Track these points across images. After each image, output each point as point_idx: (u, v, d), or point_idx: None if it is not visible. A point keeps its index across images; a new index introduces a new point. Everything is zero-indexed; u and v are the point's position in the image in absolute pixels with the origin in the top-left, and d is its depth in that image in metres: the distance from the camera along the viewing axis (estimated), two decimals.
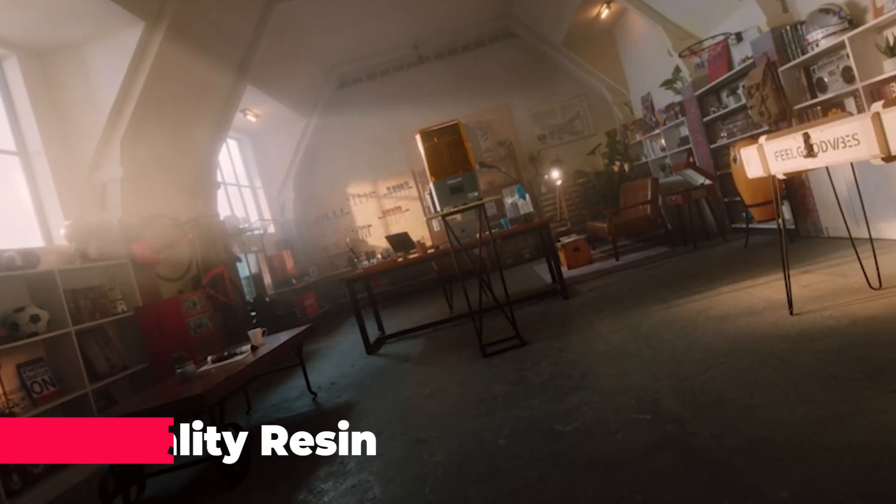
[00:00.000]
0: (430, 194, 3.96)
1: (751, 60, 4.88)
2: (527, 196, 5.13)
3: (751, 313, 3.06)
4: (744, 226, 5.74)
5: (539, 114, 9.41)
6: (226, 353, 3.42)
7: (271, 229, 8.99)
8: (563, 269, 6.63)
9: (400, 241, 5.33)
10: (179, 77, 5.25)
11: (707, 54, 5.87)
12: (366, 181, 9.70)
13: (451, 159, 3.81)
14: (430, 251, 5.06)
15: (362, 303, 5.41)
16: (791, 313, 2.82)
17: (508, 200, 5.28)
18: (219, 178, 6.91)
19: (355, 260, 5.17)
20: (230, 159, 8.48)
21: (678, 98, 6.65)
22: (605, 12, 7.58)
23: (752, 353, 2.47)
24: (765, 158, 2.74)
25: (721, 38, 5.46)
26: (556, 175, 8.44)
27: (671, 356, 2.73)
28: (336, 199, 9.72)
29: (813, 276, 3.49)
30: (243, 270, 6.78)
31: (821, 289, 3.17)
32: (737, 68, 5.28)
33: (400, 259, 5.10)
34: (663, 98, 7.37)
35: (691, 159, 6.78)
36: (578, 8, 7.45)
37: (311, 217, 9.73)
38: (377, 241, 9.61)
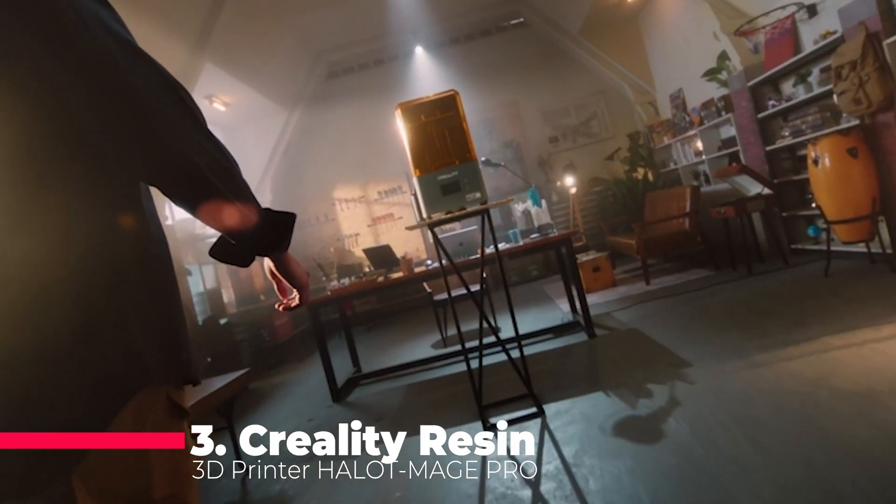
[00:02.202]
0: (415, 195, 2.85)
1: (837, 34, 3.78)
2: (542, 203, 4.02)
3: None
4: (808, 247, 4.63)
5: (551, 113, 8.33)
6: None
7: None
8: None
9: (380, 257, 4.22)
10: None
11: (764, 35, 4.78)
12: (354, 184, 8.60)
13: (443, 146, 2.70)
14: (418, 270, 3.94)
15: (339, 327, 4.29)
16: None
17: (519, 208, 4.17)
18: None
19: (323, 278, 4.05)
20: None
21: (721, 91, 5.55)
22: None
23: None
24: None
25: (789, 10, 4.37)
26: (569, 182, 7.34)
27: (805, 473, 1.60)
28: (320, 203, 8.61)
29: None
30: (195, 286, 5.66)
31: None
32: (808, 49, 4.19)
33: (380, 279, 3.99)
34: (699, 93, 6.28)
35: (735, 164, 5.68)
36: None
37: None
38: None
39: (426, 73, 8.01)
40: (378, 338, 6.22)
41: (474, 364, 2.90)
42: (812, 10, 4.27)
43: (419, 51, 7.99)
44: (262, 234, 0.82)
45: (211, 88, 6.43)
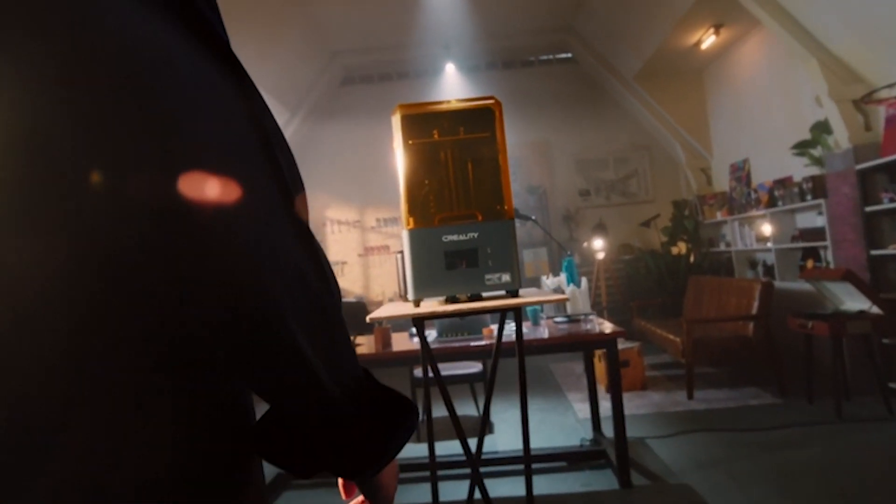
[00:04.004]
0: (400, 256, 1.74)
1: None
2: (583, 282, 2.88)
3: None
4: None
5: (586, 162, 7.29)
6: None
7: None
8: (599, 387, 4.34)
9: (347, 315, 3.08)
10: None
11: (886, 110, 3.75)
12: (351, 206, 7.53)
13: (461, 186, 1.60)
14: (397, 349, 2.80)
15: None
16: None
17: (548, 282, 3.04)
18: None
19: None
20: None
21: (809, 170, 4.50)
22: (708, 40, 5.53)
23: None
24: None
25: None
26: (598, 245, 6.23)
27: None
28: (310, 220, 7.51)
29: None
30: None
31: None
32: None
33: None
34: (771, 168, 5.24)
35: (812, 263, 4.58)
36: (672, 30, 5.41)
37: None
38: (351, 283, 7.37)
39: (454, 95, 7.01)
40: None
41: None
42: None
43: (450, 68, 7.01)
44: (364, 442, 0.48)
45: None
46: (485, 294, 1.60)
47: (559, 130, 7.33)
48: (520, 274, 1.57)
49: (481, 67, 7.40)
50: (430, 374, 1.71)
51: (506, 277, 1.55)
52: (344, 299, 3.03)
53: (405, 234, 1.56)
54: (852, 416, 3.37)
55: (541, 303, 1.53)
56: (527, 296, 1.62)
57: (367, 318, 1.48)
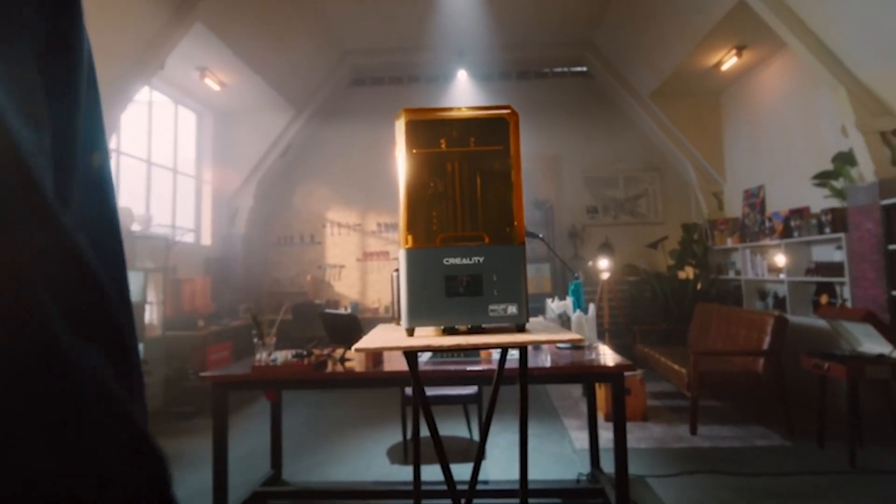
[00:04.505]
0: (395, 276, 1.57)
1: None
2: (590, 308, 2.70)
3: None
4: None
5: (595, 179, 7.13)
6: None
7: (207, 240, 6.60)
8: (598, 414, 4.15)
9: (340, 329, 2.91)
10: None
11: None
12: (353, 208, 7.37)
13: (467, 205, 1.42)
14: (389, 368, 2.63)
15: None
16: None
17: (552, 305, 2.86)
18: (112, 145, 4.59)
19: (255, 340, 2.73)
20: (174, 131, 6.18)
21: (829, 202, 4.33)
22: (729, 62, 5.37)
23: None
24: None
25: None
26: (603, 265, 6.05)
27: None
28: (309, 221, 7.37)
29: None
30: None
31: None
32: None
33: (330, 367, 2.68)
34: (788, 197, 5.07)
35: (827, 298, 4.40)
36: (693, 50, 5.25)
37: (271, 237, 7.34)
38: (347, 288, 7.20)
39: (465, 102, 6.86)
40: (321, 410, 4.83)
41: None
42: None
43: (462, 75, 6.86)
44: None
45: (204, 59, 5.26)
46: (486, 325, 1.42)
47: (569, 145, 7.18)
48: (528, 305, 1.40)
49: (494, 76, 7.25)
50: (427, 387, 1.53)
51: (512, 309, 1.38)
52: (336, 311, 2.85)
53: (402, 254, 1.38)
54: (867, 467, 3.18)
55: (552, 342, 1.35)
56: (534, 329, 1.44)
57: (353, 348, 1.30)
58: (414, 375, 1.44)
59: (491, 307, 1.38)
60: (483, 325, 1.41)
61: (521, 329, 1.40)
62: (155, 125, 5.74)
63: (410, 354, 1.41)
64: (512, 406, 4.40)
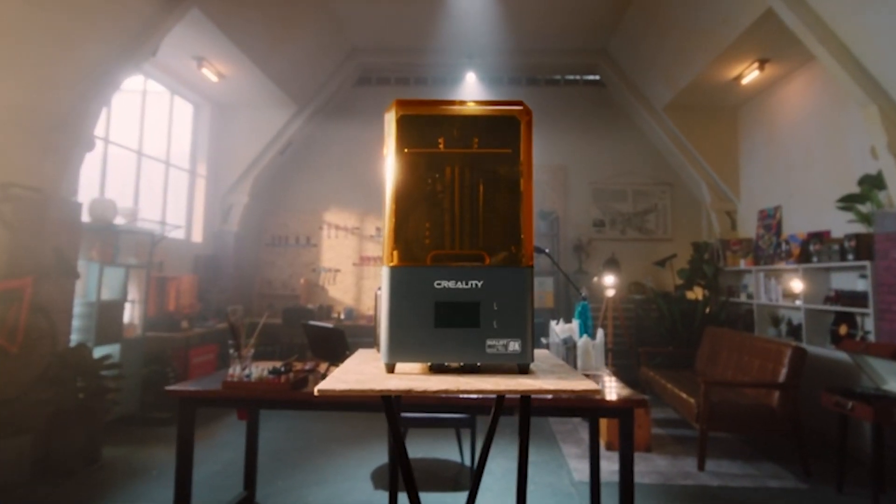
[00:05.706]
0: (377, 294, 1.33)
1: None
2: (599, 334, 2.45)
3: None
4: None
5: (603, 192, 6.89)
6: None
7: (197, 237, 6.36)
8: (600, 443, 3.89)
9: (325, 342, 2.66)
10: None
11: None
12: (352, 211, 7.13)
13: (467, 217, 1.19)
14: (360, 392, 2.39)
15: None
16: None
17: (557, 329, 2.61)
18: (98, 136, 4.36)
19: (231, 351, 2.49)
20: (169, 122, 5.95)
21: (853, 227, 4.08)
22: (750, 75, 5.14)
23: None
24: None
25: None
26: (609, 281, 5.80)
27: None
28: (306, 222, 7.13)
29: None
30: (90, 292, 4.10)
31: None
32: None
33: (307, 387, 2.44)
34: (807, 219, 4.83)
35: (847, 329, 4.14)
36: (713, 62, 5.02)
37: (265, 237, 7.11)
38: (342, 293, 6.96)
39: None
40: (302, 423, 4.58)
41: None
42: None
43: (471, 78, 6.64)
44: None
45: (201, 48, 5.05)
46: (482, 364, 1.18)
47: (578, 155, 6.94)
48: (533, 341, 1.15)
49: (504, 81, 7.03)
50: (410, 402, 1.28)
51: (514, 346, 1.13)
52: (320, 324, 2.60)
53: (385, 272, 1.14)
54: None
55: (562, 392, 1.10)
56: (540, 370, 1.20)
57: (315, 391, 1.05)
58: (392, 426, 1.20)
59: (489, 342, 1.14)
60: (478, 364, 1.17)
61: (524, 371, 1.15)
62: (149, 115, 5.52)
63: (388, 402, 1.16)
64: (508, 429, 4.14)
